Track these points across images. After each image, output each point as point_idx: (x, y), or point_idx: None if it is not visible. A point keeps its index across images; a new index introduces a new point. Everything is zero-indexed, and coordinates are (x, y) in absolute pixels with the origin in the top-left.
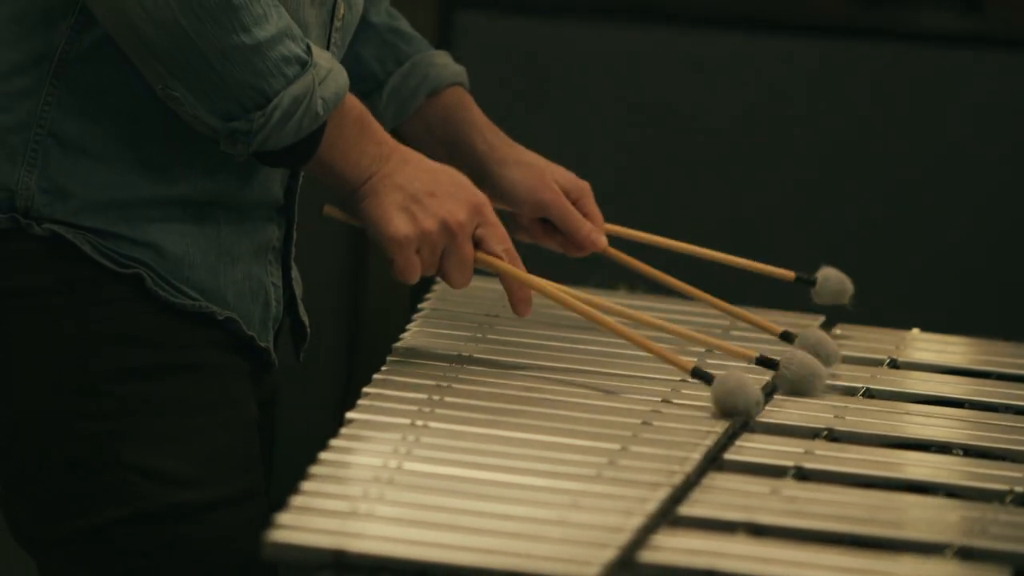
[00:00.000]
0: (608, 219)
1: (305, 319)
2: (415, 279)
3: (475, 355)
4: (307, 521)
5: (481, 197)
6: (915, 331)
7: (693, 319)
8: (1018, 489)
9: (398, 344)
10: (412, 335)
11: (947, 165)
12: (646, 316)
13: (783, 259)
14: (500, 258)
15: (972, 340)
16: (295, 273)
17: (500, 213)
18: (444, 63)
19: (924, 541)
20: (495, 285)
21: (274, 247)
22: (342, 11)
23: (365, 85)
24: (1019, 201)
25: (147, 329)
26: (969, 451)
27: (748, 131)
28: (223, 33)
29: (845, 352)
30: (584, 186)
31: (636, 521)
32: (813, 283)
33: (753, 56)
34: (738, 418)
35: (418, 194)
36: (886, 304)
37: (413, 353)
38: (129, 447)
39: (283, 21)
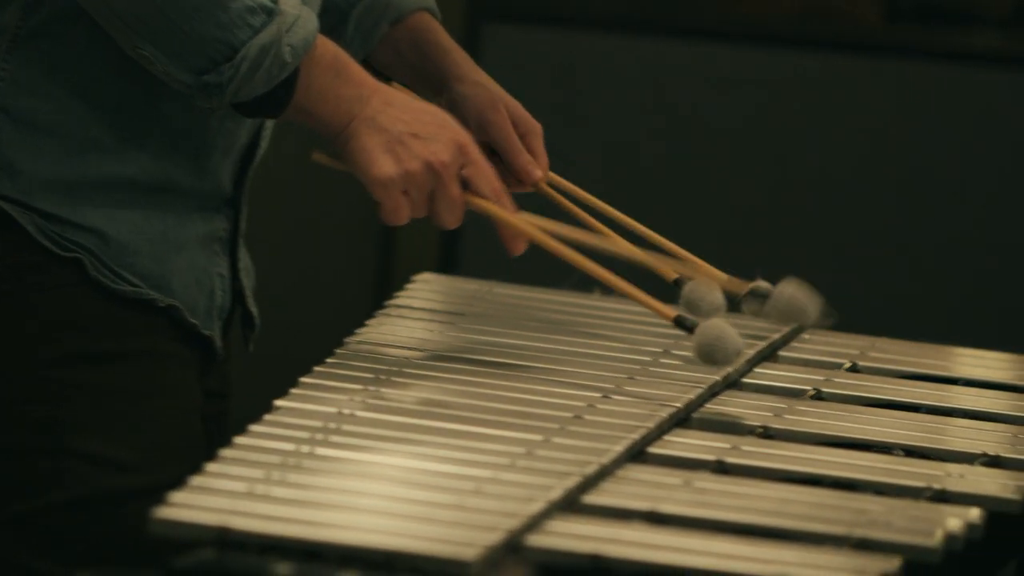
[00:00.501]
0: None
1: (254, 310)
2: (404, 221)
3: (427, 349)
4: (199, 500)
5: (465, 136)
6: (884, 339)
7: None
8: (936, 486)
9: (351, 338)
10: (369, 330)
11: (988, 184)
12: (637, 251)
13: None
14: (487, 198)
15: (938, 347)
16: (245, 264)
17: None
18: None
19: (824, 533)
20: (469, 285)
21: (221, 238)
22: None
23: (331, 18)
24: None
25: (89, 315)
26: (913, 452)
27: (782, 148)
28: None
29: (806, 356)
30: (535, 126)
31: (534, 507)
32: (765, 297)
33: (790, 73)
34: (719, 367)
35: (401, 135)
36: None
37: (364, 346)
38: (71, 433)
39: None
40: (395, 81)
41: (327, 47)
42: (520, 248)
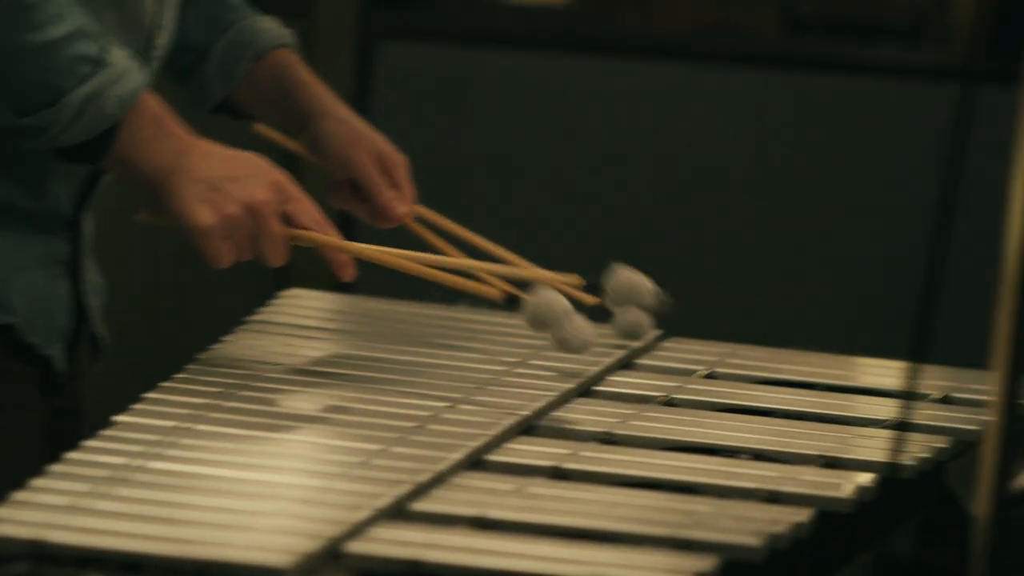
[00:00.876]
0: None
1: (100, 331)
2: (227, 264)
3: (281, 363)
4: (16, 514)
5: (281, 175)
6: (744, 345)
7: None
8: (768, 487)
9: (204, 354)
10: (225, 345)
11: (888, 194)
12: (456, 260)
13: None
14: (311, 230)
15: (796, 352)
16: (93, 284)
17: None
18: (267, 27)
19: (649, 534)
20: (337, 300)
21: (61, 260)
22: (162, 39)
23: (192, 56)
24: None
25: None
26: (761, 456)
27: (680, 161)
28: (13, 32)
29: (664, 363)
30: (400, 158)
31: (360, 515)
32: (600, 290)
33: (690, 86)
34: (551, 332)
35: (218, 182)
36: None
37: (217, 362)
38: None
39: (79, 21)
40: (259, 121)
41: (151, 102)
42: (350, 273)
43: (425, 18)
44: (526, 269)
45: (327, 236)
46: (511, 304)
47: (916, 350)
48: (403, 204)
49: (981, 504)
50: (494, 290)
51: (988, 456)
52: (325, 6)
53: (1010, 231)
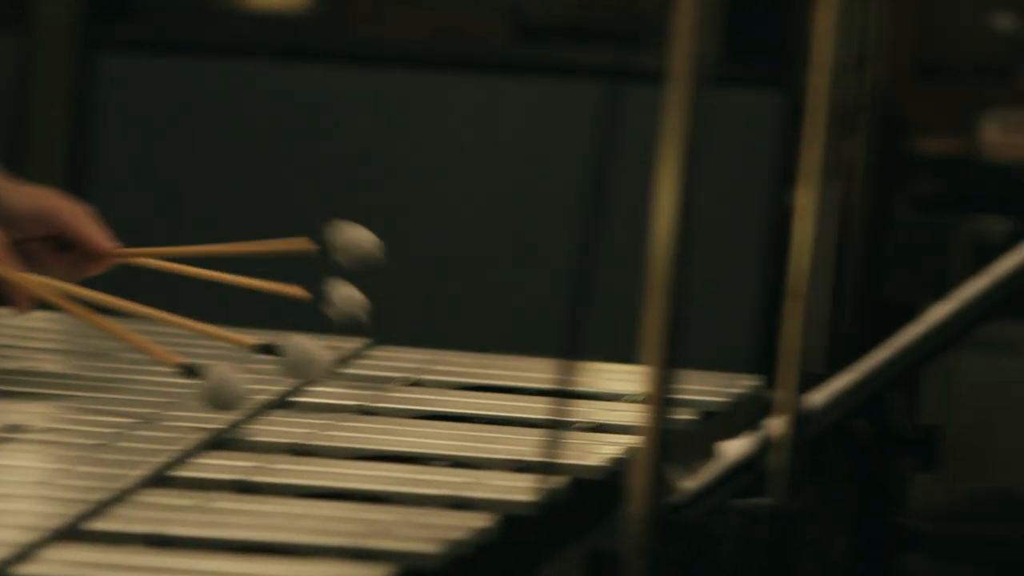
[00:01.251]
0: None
1: None
2: None
3: None
4: None
5: None
6: (450, 352)
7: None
8: (456, 493)
9: None
10: None
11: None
12: (139, 307)
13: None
14: None
15: (502, 357)
16: None
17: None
18: None
19: (328, 545)
20: (34, 316)
21: None
22: None
23: None
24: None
25: None
26: (455, 462)
27: (406, 166)
28: None
29: (366, 372)
30: (83, 207)
31: (30, 536)
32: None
33: (415, 92)
34: (226, 410)
35: None
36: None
37: None
38: None
39: None
40: None
41: None
42: (26, 308)
43: (150, 28)
44: (211, 330)
45: (5, 268)
46: (188, 373)
47: (570, 349)
48: (107, 240)
49: (633, 503)
50: (169, 356)
51: (641, 455)
52: (43, 17)
53: (656, 227)
